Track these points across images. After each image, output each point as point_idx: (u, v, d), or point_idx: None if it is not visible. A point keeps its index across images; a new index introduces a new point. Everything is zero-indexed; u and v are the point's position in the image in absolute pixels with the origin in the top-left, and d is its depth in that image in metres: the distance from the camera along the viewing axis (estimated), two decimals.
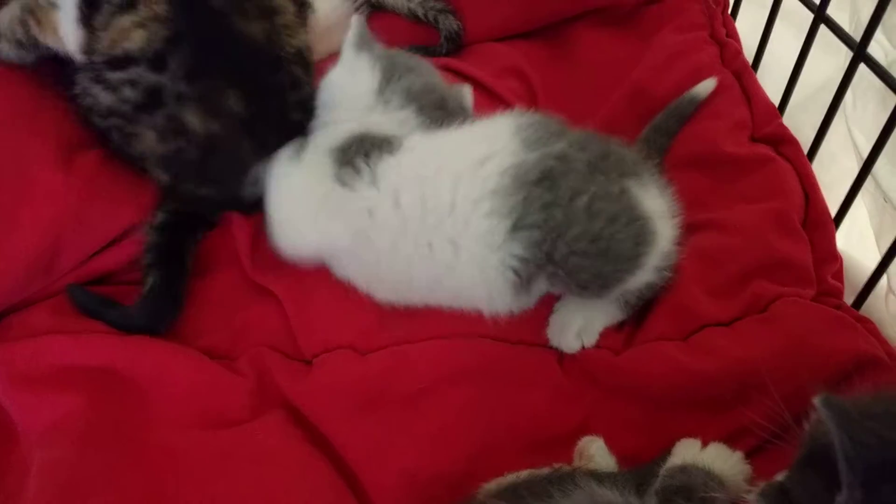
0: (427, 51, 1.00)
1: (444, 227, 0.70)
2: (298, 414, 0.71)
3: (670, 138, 0.88)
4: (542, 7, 1.05)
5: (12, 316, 0.75)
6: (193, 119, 0.74)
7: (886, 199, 0.84)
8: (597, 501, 0.55)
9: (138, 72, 0.73)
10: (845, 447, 0.44)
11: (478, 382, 0.72)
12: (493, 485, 0.64)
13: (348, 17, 0.85)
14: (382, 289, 0.76)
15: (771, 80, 0.97)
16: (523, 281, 0.70)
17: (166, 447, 0.68)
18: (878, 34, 0.82)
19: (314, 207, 0.74)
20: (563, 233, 0.67)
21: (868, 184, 0.81)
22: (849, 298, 0.79)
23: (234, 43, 0.74)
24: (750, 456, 0.64)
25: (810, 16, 0.87)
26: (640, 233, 0.68)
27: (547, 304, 0.76)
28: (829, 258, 0.78)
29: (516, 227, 0.68)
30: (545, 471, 0.64)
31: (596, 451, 0.66)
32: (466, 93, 0.85)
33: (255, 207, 0.80)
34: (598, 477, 0.60)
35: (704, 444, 0.64)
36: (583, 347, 0.73)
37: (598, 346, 0.74)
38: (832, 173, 0.90)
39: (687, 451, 0.63)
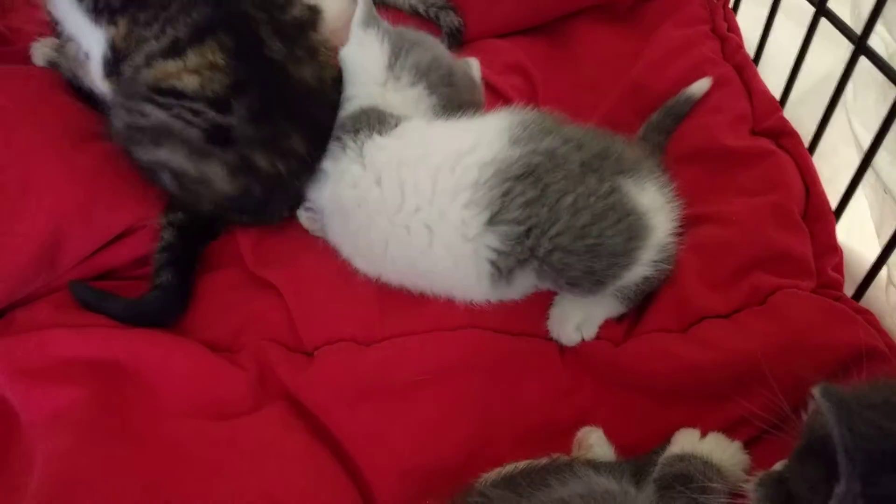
0: None
1: (422, 213, 0.71)
2: (299, 405, 0.72)
3: (667, 136, 0.89)
4: (543, 3, 1.05)
5: (16, 311, 0.76)
6: (261, 159, 0.76)
7: (886, 190, 0.83)
8: (594, 490, 0.55)
9: (198, 106, 0.74)
10: (844, 438, 0.44)
11: (477, 373, 0.72)
12: (492, 474, 0.64)
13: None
14: (361, 260, 0.77)
15: (772, 73, 0.97)
16: (502, 273, 0.70)
17: (169, 438, 0.69)
18: (879, 26, 0.82)
19: None
20: (546, 229, 0.68)
21: (868, 176, 0.81)
22: (849, 290, 0.79)
23: (292, 89, 0.77)
24: (748, 446, 0.64)
25: (811, 9, 0.87)
26: (632, 228, 0.68)
27: (548, 296, 0.76)
28: (830, 250, 0.78)
29: (494, 221, 0.69)
30: (544, 460, 0.64)
31: (595, 441, 0.67)
32: (474, 64, 0.87)
33: None
34: (597, 466, 0.60)
35: (703, 434, 0.64)
36: (582, 340, 0.74)
37: (598, 337, 0.74)
38: (832, 165, 0.90)
39: (686, 441, 0.63)
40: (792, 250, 0.76)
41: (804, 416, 0.53)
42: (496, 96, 0.96)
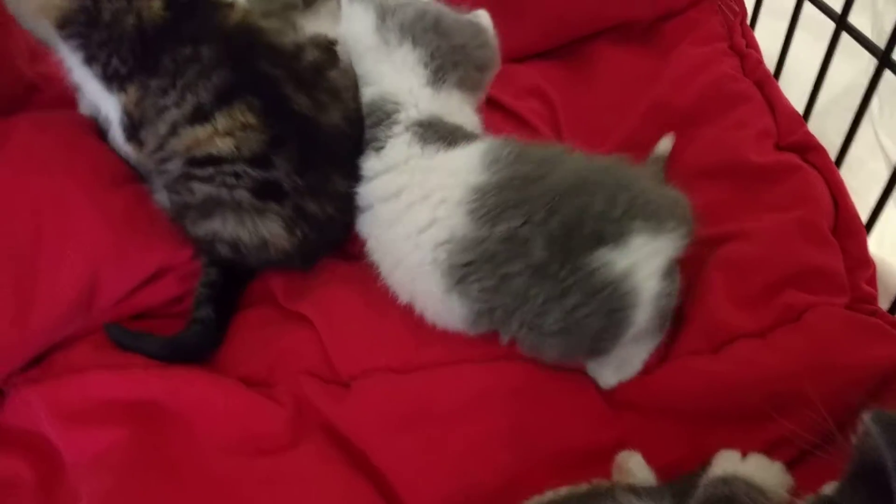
0: None
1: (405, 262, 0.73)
2: (338, 437, 0.72)
3: None
4: (560, 26, 1.06)
5: (55, 354, 0.77)
6: (313, 206, 0.78)
7: None
8: None
9: (238, 168, 0.75)
10: None
11: (515, 401, 0.72)
12: (532, 502, 0.64)
13: None
14: (380, 259, 0.77)
15: (792, 86, 0.97)
16: (478, 321, 0.71)
17: (209, 476, 0.69)
18: None
19: None
20: (511, 312, 0.68)
21: None
22: (884, 303, 0.78)
23: (326, 135, 0.78)
24: (790, 467, 0.63)
25: (830, 21, 0.87)
26: (611, 301, 0.65)
27: None
28: (862, 264, 0.78)
29: (457, 293, 0.69)
30: (584, 487, 0.64)
31: (634, 466, 0.66)
32: (482, 14, 0.84)
33: None
34: (637, 491, 0.60)
35: (744, 455, 0.63)
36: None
37: None
38: (860, 178, 0.90)
39: (727, 463, 0.62)
40: (823, 266, 0.76)
41: (852, 438, 0.52)
42: (516, 121, 0.97)
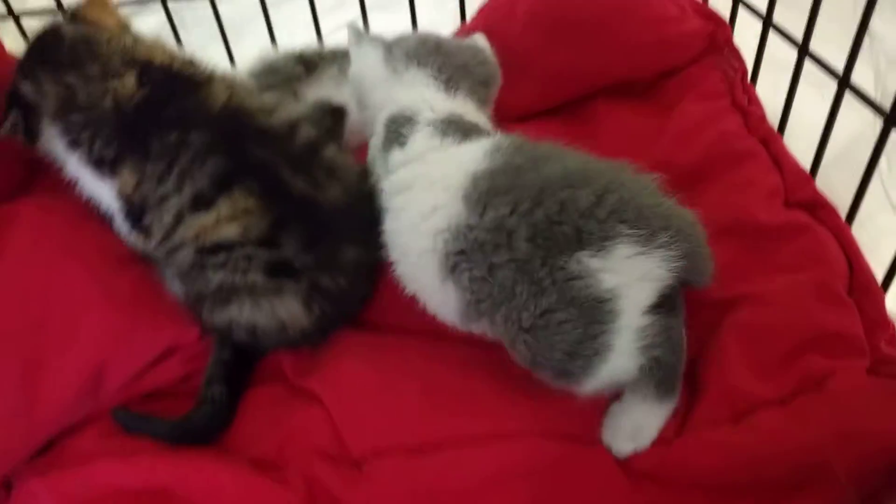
0: None
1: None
2: None
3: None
4: (561, 85, 1.06)
5: (62, 441, 0.76)
6: (326, 280, 0.78)
7: None
8: None
9: (248, 251, 0.75)
10: None
11: (531, 481, 0.70)
12: None
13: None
14: (391, 251, 0.77)
15: (797, 139, 0.97)
16: (469, 313, 0.70)
17: None
18: None
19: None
20: (496, 306, 0.66)
21: None
22: None
23: (328, 212, 0.78)
24: None
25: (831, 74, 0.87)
26: (586, 314, 0.62)
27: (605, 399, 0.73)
28: (881, 325, 0.76)
29: (451, 281, 0.69)
30: None
31: None
32: (478, 37, 0.91)
33: None
34: None
35: None
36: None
37: None
38: (870, 232, 0.89)
39: None
40: (842, 329, 0.74)
41: None
42: None
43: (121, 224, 0.80)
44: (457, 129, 0.76)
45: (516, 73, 0.98)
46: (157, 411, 0.80)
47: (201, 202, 0.74)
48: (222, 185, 0.74)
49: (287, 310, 0.77)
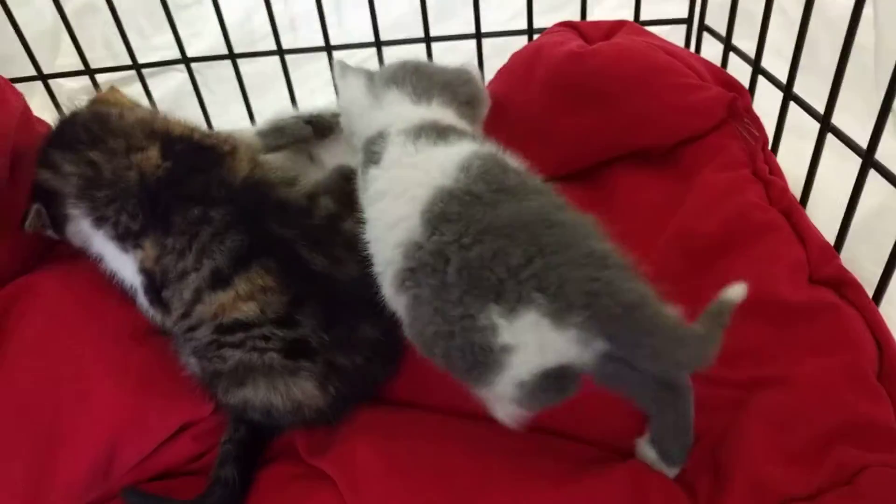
0: None
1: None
2: None
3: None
4: (579, 151, 1.05)
5: None
6: (343, 359, 0.77)
7: None
8: None
9: (265, 331, 0.74)
10: None
11: None
12: None
13: None
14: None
15: (819, 209, 0.95)
16: (409, 332, 0.70)
17: None
18: None
19: None
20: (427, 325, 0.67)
21: None
22: None
23: (346, 289, 0.77)
24: None
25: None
26: (476, 358, 0.64)
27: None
28: None
29: (401, 297, 0.68)
30: None
31: None
32: (468, 63, 0.91)
33: None
34: None
35: None
36: None
37: None
38: None
39: None
40: (875, 418, 0.71)
41: None
42: None
43: (142, 300, 0.80)
44: (430, 131, 0.75)
45: (533, 137, 0.97)
46: (168, 490, 0.78)
47: (220, 280, 0.74)
48: (240, 263, 0.74)
49: (302, 390, 0.75)
